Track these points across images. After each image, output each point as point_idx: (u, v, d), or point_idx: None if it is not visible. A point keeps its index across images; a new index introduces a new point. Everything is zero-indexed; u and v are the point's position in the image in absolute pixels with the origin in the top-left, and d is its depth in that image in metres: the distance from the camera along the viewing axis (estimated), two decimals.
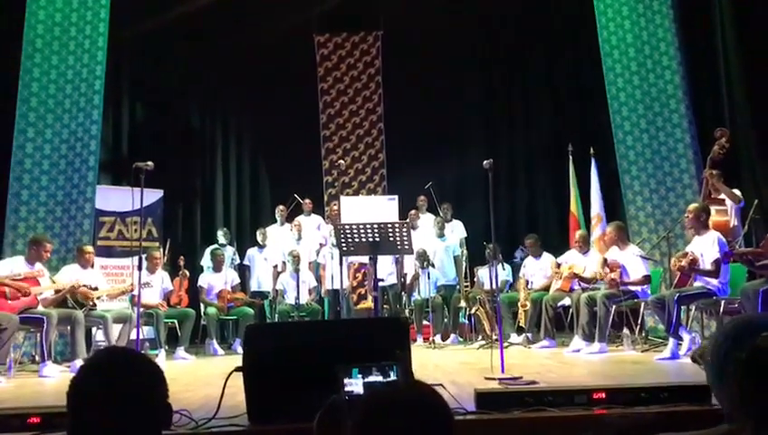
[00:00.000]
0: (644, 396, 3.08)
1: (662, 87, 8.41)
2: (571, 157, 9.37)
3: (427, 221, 9.49)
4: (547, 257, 8.21)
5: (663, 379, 4.45)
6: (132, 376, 1.35)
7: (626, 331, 6.72)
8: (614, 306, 6.66)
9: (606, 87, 8.59)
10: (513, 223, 10.82)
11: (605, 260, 7.01)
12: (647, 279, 6.83)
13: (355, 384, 2.67)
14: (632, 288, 6.78)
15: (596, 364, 5.67)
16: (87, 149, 7.93)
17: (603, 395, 3.10)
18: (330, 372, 2.80)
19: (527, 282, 8.17)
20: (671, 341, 5.73)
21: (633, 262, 6.87)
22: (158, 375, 1.39)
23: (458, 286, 8.88)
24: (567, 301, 7.48)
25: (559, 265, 7.74)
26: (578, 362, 5.86)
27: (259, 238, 9.42)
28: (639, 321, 7.08)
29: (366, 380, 2.67)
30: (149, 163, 5.63)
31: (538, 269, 8.20)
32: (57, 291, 6.57)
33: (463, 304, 8.44)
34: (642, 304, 6.87)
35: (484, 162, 5.23)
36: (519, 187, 11.15)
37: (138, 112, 10.68)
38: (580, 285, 7.36)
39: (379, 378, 2.68)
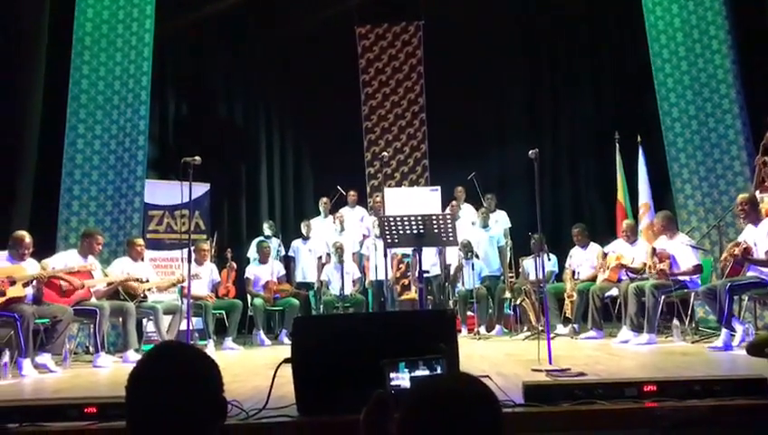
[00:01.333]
0: (697, 389, 3.01)
1: (711, 72, 8.21)
2: (617, 145, 9.22)
3: (466, 211, 9.45)
4: (594, 247, 8.10)
5: (716, 371, 4.37)
6: (189, 370, 1.37)
7: (675, 321, 6.60)
8: (663, 297, 6.54)
9: (653, 73, 8.42)
10: (558, 213, 10.69)
11: (654, 250, 6.89)
12: (697, 269, 6.69)
13: (402, 378, 2.68)
14: (682, 278, 6.65)
15: (645, 356, 5.58)
16: (135, 144, 8.09)
17: (654, 388, 3.04)
18: (375, 364, 2.82)
19: (573, 272, 8.07)
20: (723, 332, 5.61)
21: (683, 251, 6.74)
22: (213, 369, 1.42)
23: (503, 277, 8.83)
24: (614, 291, 7.37)
25: (605, 256, 7.63)
26: (626, 354, 5.77)
27: (304, 230, 9.50)
28: (689, 311, 6.94)
29: (413, 374, 2.67)
30: (197, 158, 5.71)
31: (584, 259, 8.09)
32: (109, 283, 6.74)
33: (508, 294, 8.40)
34: (692, 295, 6.73)
35: (530, 152, 5.18)
36: (564, 176, 11.00)
37: (183, 107, 10.86)
38: (627, 275, 7.24)
39: (426, 372, 2.68)
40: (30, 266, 5.95)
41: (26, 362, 5.43)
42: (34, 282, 5.87)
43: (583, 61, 11.18)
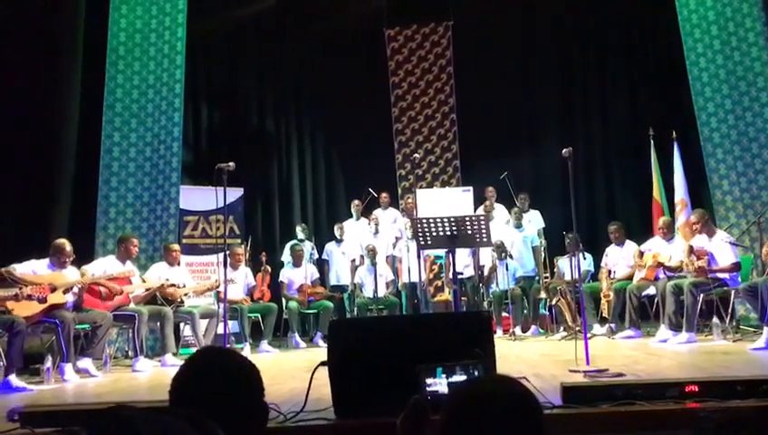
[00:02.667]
0: (740, 389, 2.96)
1: (748, 65, 8.06)
2: (652, 142, 9.09)
3: (499, 212, 9.40)
4: (630, 245, 7.98)
5: (759, 371, 4.28)
6: (231, 375, 1.39)
7: (715, 320, 6.47)
8: (702, 295, 6.44)
9: (687, 68, 8.29)
10: (592, 211, 10.57)
11: (691, 248, 6.78)
12: (736, 266, 6.57)
13: (439, 384, 2.68)
14: (721, 276, 6.54)
15: (685, 355, 5.50)
16: (170, 150, 8.21)
17: (696, 388, 2.99)
18: (413, 367, 2.82)
19: (609, 271, 7.98)
20: (765, 330, 5.49)
21: (721, 249, 6.62)
22: (255, 374, 1.44)
23: (538, 277, 8.76)
24: (652, 290, 7.27)
25: (642, 254, 7.52)
26: (666, 354, 5.69)
27: (337, 233, 9.54)
28: (730, 309, 6.82)
29: (450, 379, 2.67)
30: (231, 164, 5.78)
31: (621, 258, 7.98)
32: (147, 289, 6.84)
33: (543, 295, 8.32)
34: (732, 292, 6.61)
35: (564, 150, 5.13)
36: (598, 174, 10.87)
37: (215, 112, 10.99)
38: (665, 273, 7.14)
39: (463, 377, 2.68)
40: (70, 273, 6.06)
41: (68, 367, 5.54)
42: (75, 288, 5.98)
43: (616, 57, 11.05)
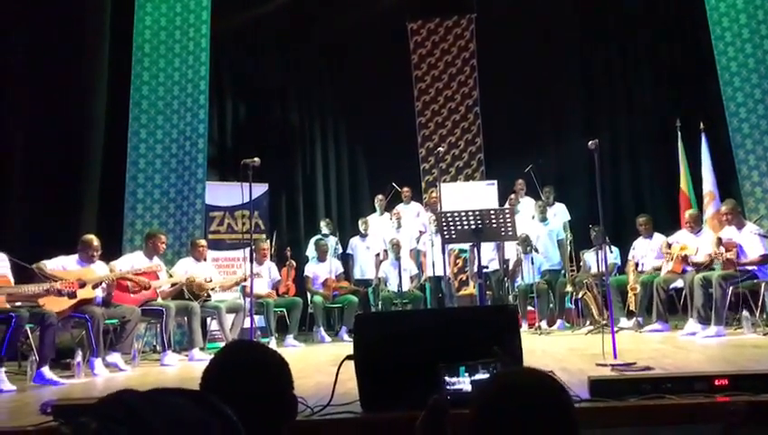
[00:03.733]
0: None
1: None
2: (679, 133, 8.97)
3: (526, 205, 9.34)
4: (658, 238, 7.89)
5: None
6: (261, 369, 1.41)
7: (745, 313, 6.38)
8: (731, 287, 6.35)
9: (715, 57, 8.16)
10: (619, 204, 10.47)
11: (720, 240, 6.69)
12: (765, 258, 6.47)
13: (463, 382, 2.68)
14: (750, 268, 6.44)
15: (714, 349, 5.43)
16: (195, 147, 8.28)
17: (726, 382, 2.96)
18: (437, 361, 2.82)
19: (637, 264, 7.90)
20: None
21: (751, 240, 6.53)
22: (284, 368, 1.45)
23: (563, 271, 8.70)
24: (680, 283, 7.18)
25: (670, 246, 7.43)
26: (694, 347, 5.62)
27: (361, 228, 9.56)
28: (760, 302, 6.72)
29: (473, 378, 2.67)
30: (256, 159, 5.81)
31: (649, 250, 7.89)
32: (174, 284, 6.91)
33: (569, 288, 8.27)
34: (762, 285, 6.52)
35: (590, 143, 5.08)
36: (624, 166, 10.75)
37: (240, 108, 11.05)
38: (693, 266, 7.05)
39: (486, 375, 2.67)
40: (99, 269, 6.14)
41: (98, 362, 5.62)
42: (103, 283, 6.06)
43: (642, 47, 10.92)
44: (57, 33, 7.91)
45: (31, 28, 7.87)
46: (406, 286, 8.65)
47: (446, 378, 2.69)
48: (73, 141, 8.02)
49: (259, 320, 8.02)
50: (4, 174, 7.69)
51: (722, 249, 6.56)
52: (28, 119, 7.84)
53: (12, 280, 5.34)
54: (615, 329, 5.10)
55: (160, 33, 8.42)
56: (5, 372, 4.92)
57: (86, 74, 8.25)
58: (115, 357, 5.91)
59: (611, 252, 8.34)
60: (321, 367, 5.22)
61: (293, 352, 7.28)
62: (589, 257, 8.53)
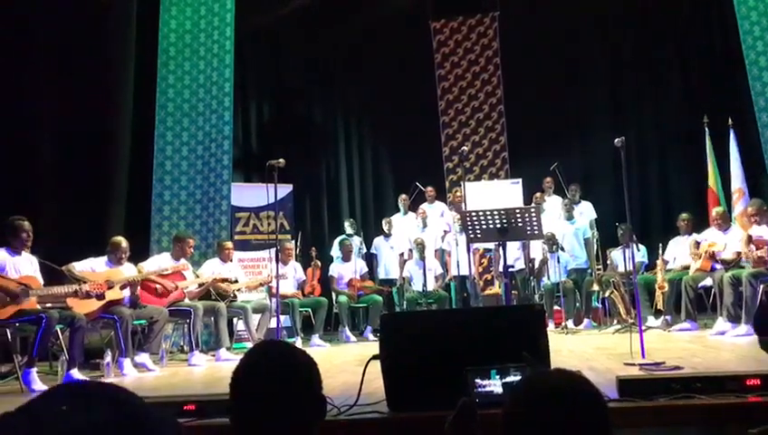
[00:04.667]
0: None
1: None
2: (707, 129, 8.85)
3: (553, 203, 9.27)
4: (692, 236, 7.76)
5: None
6: (291, 369, 1.41)
7: None
8: (762, 286, 6.25)
9: (743, 52, 8.03)
10: (646, 202, 10.36)
11: (750, 237, 6.58)
12: None
13: (494, 385, 2.67)
14: None
15: (744, 348, 5.34)
16: (221, 148, 8.35)
17: (758, 382, 2.91)
18: (464, 361, 2.81)
19: (666, 262, 7.80)
20: None
21: None
22: (314, 368, 1.46)
23: (590, 270, 8.63)
24: (708, 281, 7.08)
25: (698, 244, 7.33)
26: (724, 346, 5.54)
27: (385, 227, 9.56)
28: None
29: (504, 380, 2.66)
30: (281, 161, 5.84)
31: (684, 247, 7.76)
32: (201, 284, 6.97)
33: (596, 287, 8.19)
34: None
35: (616, 140, 5.03)
36: (651, 163, 10.62)
37: (264, 109, 11.12)
38: (721, 264, 6.95)
39: (518, 378, 2.66)
40: (127, 270, 6.21)
41: (126, 362, 5.68)
42: (131, 284, 6.13)
43: (667, 43, 10.78)
44: (85, 37, 8.02)
45: (60, 33, 7.98)
46: (430, 286, 8.64)
47: (477, 380, 2.68)
48: (101, 144, 8.13)
49: (285, 320, 8.06)
50: (34, 177, 7.81)
51: (752, 247, 6.46)
52: (57, 122, 7.96)
53: (41, 282, 5.42)
54: (643, 328, 5.05)
55: (185, 36, 8.50)
56: (37, 372, 5.00)
57: (113, 78, 8.36)
58: (143, 357, 5.98)
59: (638, 250, 8.25)
60: (346, 367, 5.23)
61: (319, 351, 7.29)
62: (616, 256, 8.44)
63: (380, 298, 8.65)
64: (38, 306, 5.24)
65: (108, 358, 5.49)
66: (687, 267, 7.40)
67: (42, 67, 8.03)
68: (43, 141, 7.94)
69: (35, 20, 7.97)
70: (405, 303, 8.75)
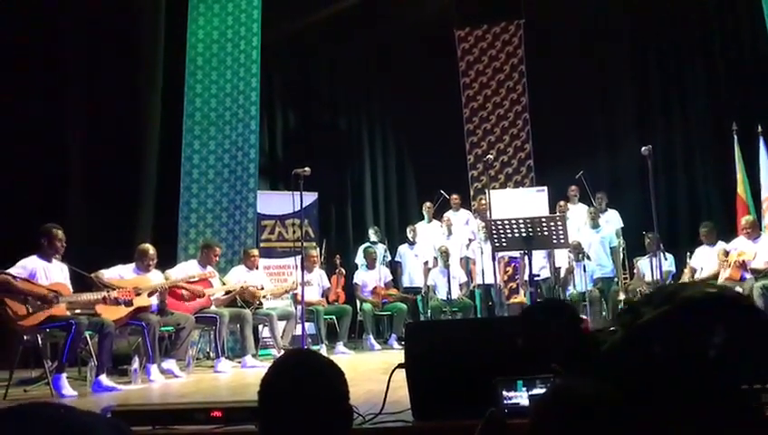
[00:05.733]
0: None
1: None
2: (735, 136, 8.73)
3: (579, 212, 9.20)
4: (720, 245, 7.66)
5: None
6: (319, 378, 1.43)
7: None
8: None
9: None
10: (673, 210, 10.23)
11: None
12: None
13: (520, 397, 2.66)
14: None
15: None
16: (247, 157, 8.42)
17: None
18: (490, 370, 2.80)
19: (693, 271, 7.70)
20: None
21: None
22: (341, 377, 1.47)
23: (616, 278, 8.55)
24: (738, 290, 6.98)
25: (727, 253, 7.23)
26: None
27: (409, 235, 9.56)
28: None
29: (531, 392, 2.64)
30: (307, 169, 5.89)
31: (710, 258, 7.65)
32: (227, 292, 7.03)
33: (622, 296, 8.11)
34: None
35: (643, 148, 5.01)
36: (678, 171, 10.49)
37: (290, 117, 11.19)
38: (751, 274, 6.85)
39: (543, 390, 2.64)
40: (155, 277, 6.29)
41: (154, 368, 5.74)
42: (158, 292, 6.20)
43: (695, 49, 10.67)
44: (115, 48, 8.15)
45: (89, 43, 8.13)
46: (455, 294, 8.62)
47: (504, 392, 2.67)
48: (129, 153, 8.23)
49: (309, 327, 8.09)
50: (63, 186, 7.94)
51: None
52: (86, 131, 8.08)
53: (71, 289, 5.50)
54: None
55: (212, 45, 8.59)
56: (66, 377, 5.08)
57: (142, 87, 8.47)
58: (170, 364, 6.03)
59: (666, 259, 8.16)
60: (371, 375, 5.24)
61: (343, 359, 7.30)
62: (643, 265, 8.36)
63: (405, 306, 8.65)
64: (68, 313, 5.32)
65: (135, 364, 5.55)
66: (716, 277, 7.30)
67: (72, 75, 8.17)
68: (72, 149, 8.07)
69: (66, 28, 8.13)
70: (429, 311, 8.74)
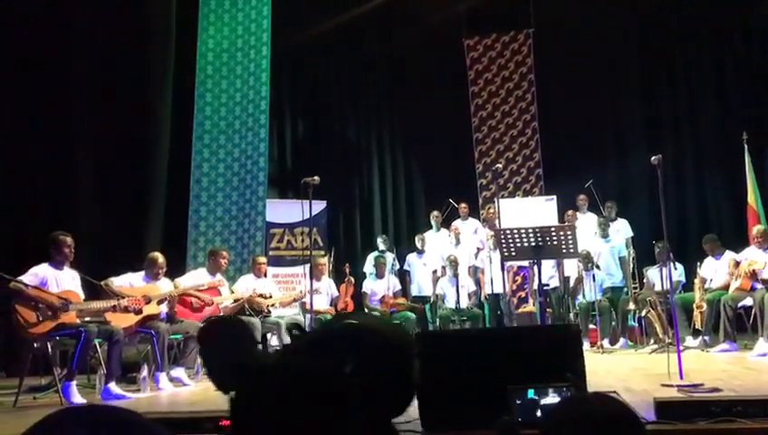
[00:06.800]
0: None
1: None
2: (746, 145, 8.70)
3: (588, 221, 9.18)
4: (728, 256, 7.62)
5: None
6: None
7: None
8: None
9: None
10: (683, 220, 10.19)
11: None
12: None
13: (532, 406, 2.65)
14: None
15: None
16: (256, 165, 8.45)
17: None
18: (499, 381, 2.79)
19: (704, 280, 7.66)
20: None
21: None
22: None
23: (626, 288, 8.51)
24: (749, 301, 6.94)
25: (737, 264, 7.19)
26: (765, 368, 5.42)
27: (418, 244, 9.54)
28: None
29: (542, 401, 2.64)
30: (316, 178, 5.88)
31: (719, 266, 7.62)
32: (236, 300, 7.04)
33: (632, 306, 8.07)
34: None
35: (653, 158, 4.98)
36: (688, 181, 10.47)
37: (299, 126, 11.22)
38: (762, 284, 6.80)
39: (556, 399, 2.64)
40: (164, 285, 6.30)
41: (162, 376, 5.75)
42: (168, 299, 6.21)
43: (705, 59, 10.66)
44: (126, 57, 8.22)
45: (100, 51, 8.19)
46: (464, 303, 8.60)
47: (517, 401, 2.67)
48: (140, 162, 8.28)
49: None
50: (74, 195, 7.99)
51: None
52: (97, 140, 8.14)
53: (82, 296, 5.52)
54: (681, 348, 4.96)
55: (222, 55, 8.65)
56: (76, 385, 5.09)
57: (153, 96, 8.53)
58: (179, 372, 6.03)
59: (676, 269, 8.11)
60: None
61: None
62: (653, 274, 8.32)
63: (413, 315, 8.62)
64: (77, 320, 5.35)
65: (144, 372, 5.56)
66: (726, 287, 7.26)
67: (84, 85, 8.24)
68: (83, 159, 8.13)
69: (79, 38, 8.20)
70: (438, 320, 8.71)
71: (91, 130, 8.16)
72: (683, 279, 8.32)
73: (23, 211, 7.81)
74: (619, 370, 5.69)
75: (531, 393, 2.66)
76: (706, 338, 7.20)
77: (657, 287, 7.83)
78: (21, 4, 7.84)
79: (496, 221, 8.90)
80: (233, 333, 1.71)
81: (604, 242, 8.57)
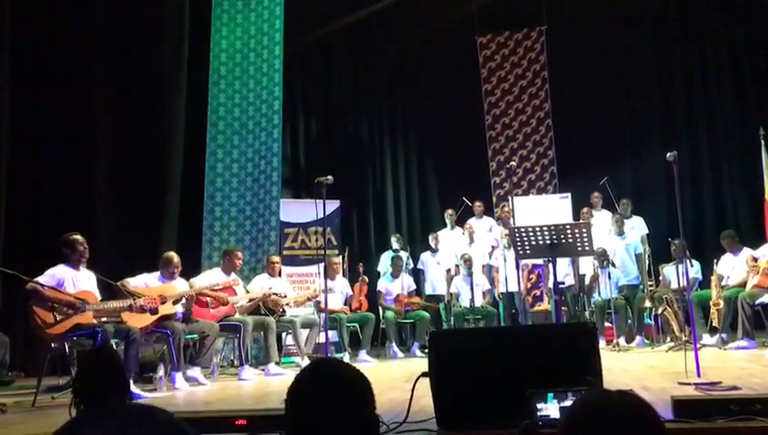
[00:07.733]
0: None
1: None
2: (762, 141, 8.62)
3: (602, 218, 9.13)
4: (746, 252, 7.55)
5: None
6: (346, 387, 1.42)
7: None
8: None
9: None
10: (699, 217, 10.11)
11: None
12: None
13: (551, 409, 2.63)
14: None
15: None
16: (270, 165, 8.47)
17: None
18: (514, 379, 2.78)
19: (720, 278, 7.59)
20: None
21: None
22: (367, 386, 1.46)
23: (642, 286, 8.45)
24: (767, 298, 6.87)
25: (755, 260, 7.12)
26: None
27: (432, 243, 9.53)
28: None
29: (561, 404, 2.62)
30: (329, 178, 5.88)
31: (737, 263, 7.55)
32: (251, 299, 7.06)
33: (648, 304, 8.02)
34: None
35: (668, 154, 4.94)
36: (704, 177, 10.38)
37: (312, 125, 11.24)
38: None
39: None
40: (179, 285, 6.33)
41: (179, 376, 5.77)
42: (183, 299, 6.24)
43: (720, 54, 10.56)
44: (140, 58, 8.26)
45: (115, 53, 8.24)
46: (478, 302, 8.58)
47: (537, 404, 2.65)
48: (154, 163, 8.33)
49: (332, 335, 8.09)
50: (90, 196, 8.05)
51: None
52: (112, 141, 8.20)
53: (99, 297, 5.56)
54: (698, 346, 4.92)
55: (235, 55, 8.67)
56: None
57: (166, 97, 8.57)
58: (195, 371, 6.06)
59: (692, 266, 8.05)
60: (394, 383, 5.22)
61: (367, 367, 7.29)
62: (669, 271, 8.26)
63: (427, 314, 8.62)
64: (94, 320, 5.38)
65: (160, 372, 5.59)
66: (743, 284, 7.19)
67: (99, 87, 8.29)
68: (100, 161, 8.18)
69: (94, 40, 8.25)
70: (452, 319, 8.70)
71: (107, 131, 8.21)
72: (699, 276, 8.26)
73: (39, 213, 7.88)
74: (635, 368, 5.66)
75: (550, 398, 2.64)
76: (724, 336, 7.14)
77: (674, 285, 7.77)
78: (36, 6, 7.89)
79: (511, 219, 8.88)
80: None
81: (620, 239, 8.52)
